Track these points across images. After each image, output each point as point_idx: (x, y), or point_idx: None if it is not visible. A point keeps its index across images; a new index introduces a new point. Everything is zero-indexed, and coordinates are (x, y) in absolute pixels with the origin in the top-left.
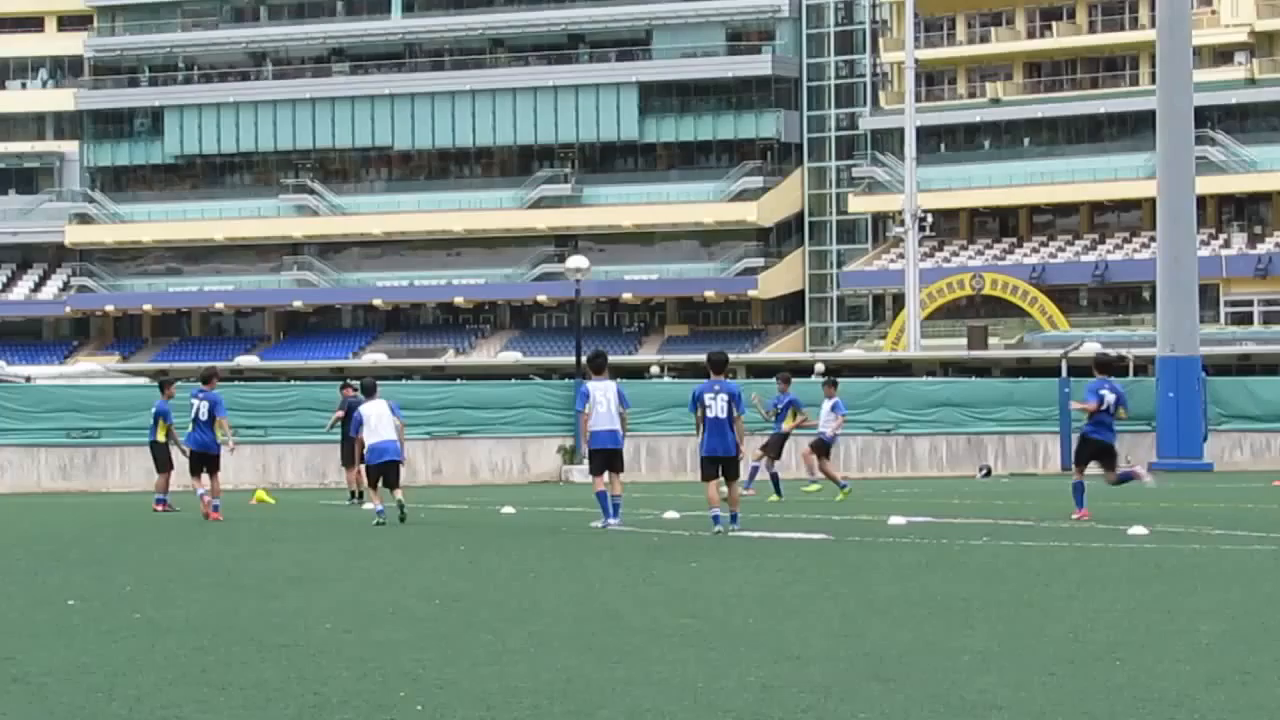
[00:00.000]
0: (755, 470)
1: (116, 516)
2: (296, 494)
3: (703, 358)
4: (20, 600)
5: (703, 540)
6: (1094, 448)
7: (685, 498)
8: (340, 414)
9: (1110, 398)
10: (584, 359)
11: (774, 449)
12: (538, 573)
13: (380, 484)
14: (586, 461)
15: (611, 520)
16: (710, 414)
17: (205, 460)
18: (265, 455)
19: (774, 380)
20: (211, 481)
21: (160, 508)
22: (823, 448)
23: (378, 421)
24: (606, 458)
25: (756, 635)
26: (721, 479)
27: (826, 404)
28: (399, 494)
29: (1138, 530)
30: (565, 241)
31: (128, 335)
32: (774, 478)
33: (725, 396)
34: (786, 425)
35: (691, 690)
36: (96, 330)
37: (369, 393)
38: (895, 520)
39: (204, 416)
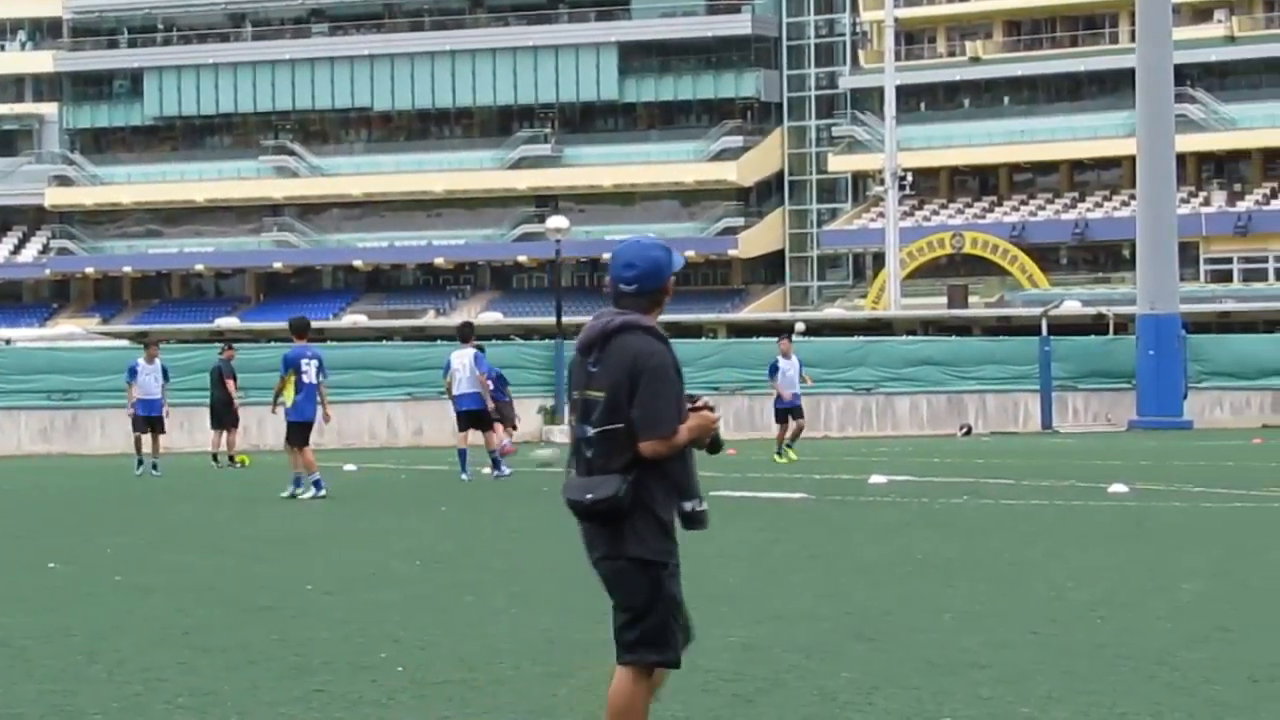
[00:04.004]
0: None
1: (98, 479)
2: (277, 456)
3: (683, 318)
4: (1, 564)
5: None
6: None
7: None
8: (233, 381)
9: None
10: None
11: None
12: (520, 533)
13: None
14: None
15: (505, 470)
16: (306, 379)
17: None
18: (246, 417)
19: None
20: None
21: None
22: (796, 412)
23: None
24: (471, 419)
25: (739, 595)
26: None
27: (790, 363)
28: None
29: (1119, 489)
30: (546, 202)
31: (108, 298)
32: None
33: (315, 362)
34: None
35: None
36: (76, 293)
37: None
38: (876, 479)
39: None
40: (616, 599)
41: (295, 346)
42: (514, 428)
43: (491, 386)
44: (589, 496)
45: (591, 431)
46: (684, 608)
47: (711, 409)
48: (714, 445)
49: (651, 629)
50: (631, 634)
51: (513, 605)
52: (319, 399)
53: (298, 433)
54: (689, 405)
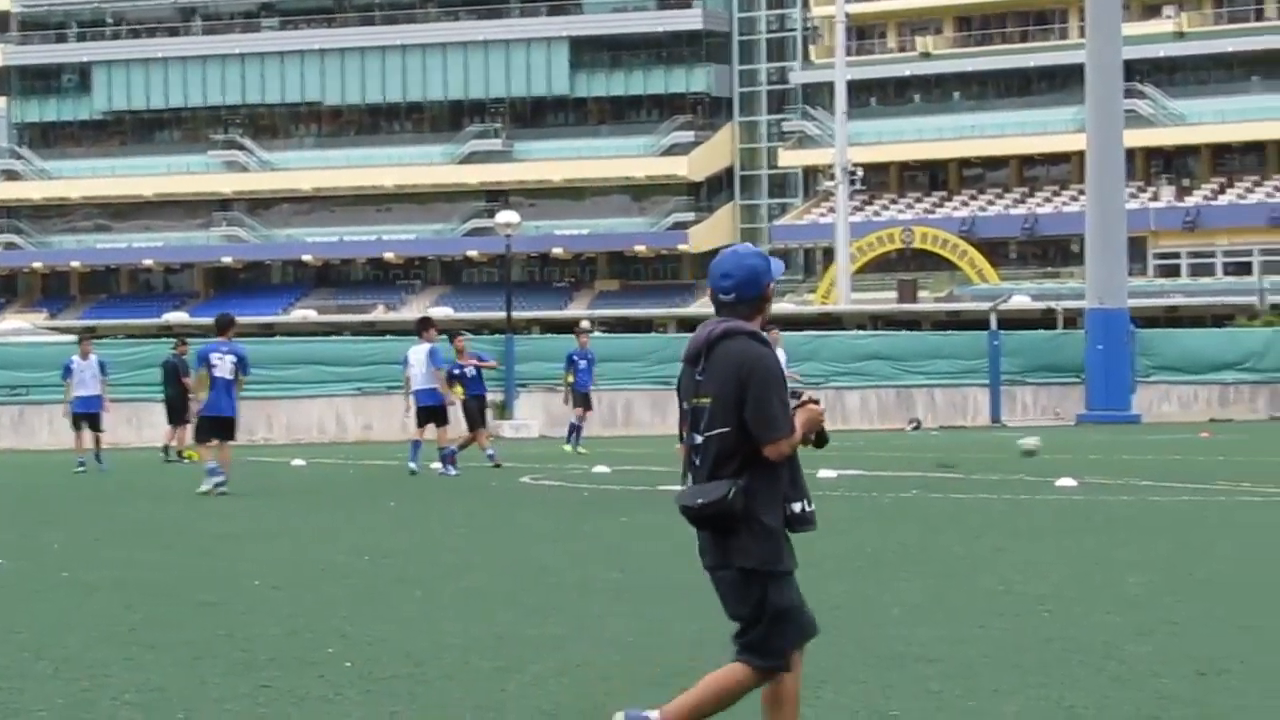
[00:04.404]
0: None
1: (44, 475)
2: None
3: (633, 313)
4: None
5: (633, 495)
6: None
7: (616, 452)
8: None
9: None
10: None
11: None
12: (468, 528)
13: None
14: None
15: (452, 470)
16: (217, 374)
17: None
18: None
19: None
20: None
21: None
22: None
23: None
24: (428, 414)
25: (687, 589)
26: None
27: (780, 353)
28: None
29: (1067, 482)
30: (496, 197)
31: (55, 293)
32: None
33: (232, 358)
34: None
35: (622, 645)
36: (24, 287)
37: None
38: (825, 474)
39: None
40: (725, 607)
41: (210, 342)
42: (482, 426)
43: (473, 371)
44: (699, 501)
45: (700, 438)
46: (803, 609)
47: (816, 401)
48: (820, 439)
49: (757, 638)
50: (741, 639)
51: (461, 600)
52: (235, 395)
53: (208, 427)
54: (794, 402)
